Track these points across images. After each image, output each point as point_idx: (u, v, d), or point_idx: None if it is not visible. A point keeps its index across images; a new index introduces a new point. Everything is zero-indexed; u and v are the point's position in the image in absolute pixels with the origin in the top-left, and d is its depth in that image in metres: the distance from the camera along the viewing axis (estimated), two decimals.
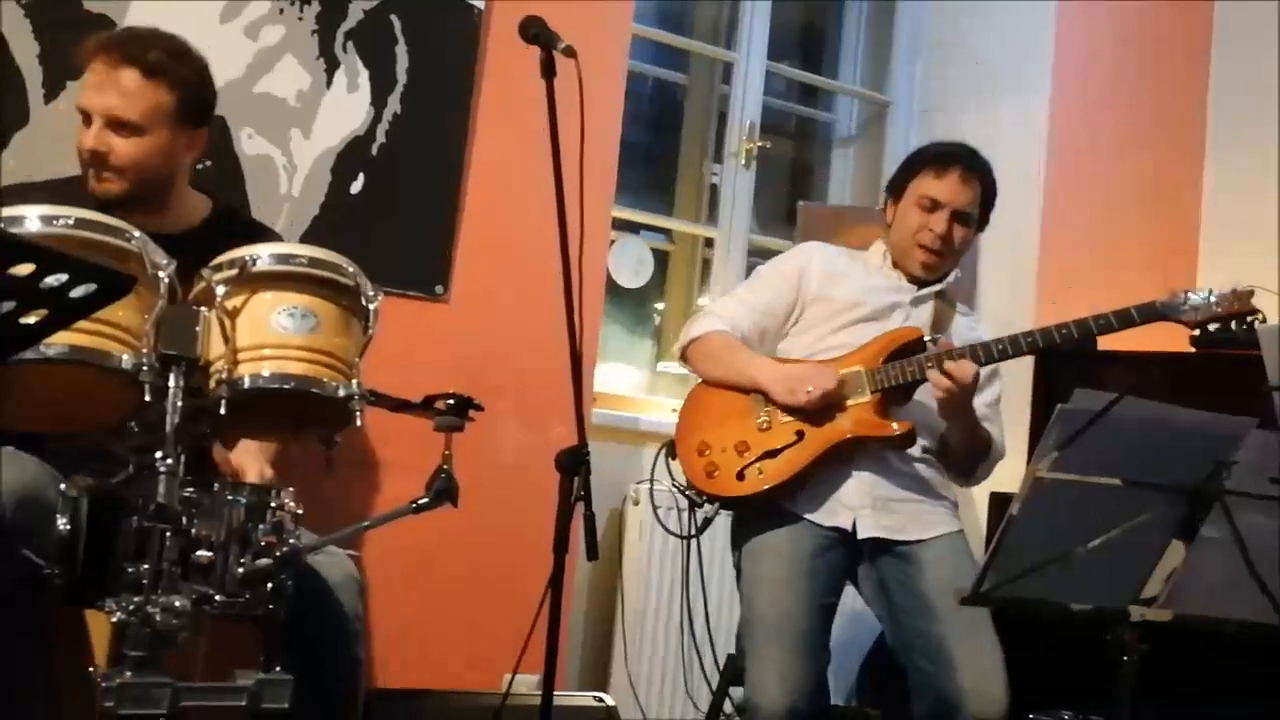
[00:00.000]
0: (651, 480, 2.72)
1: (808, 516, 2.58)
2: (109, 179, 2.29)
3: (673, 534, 2.76)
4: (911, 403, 2.63)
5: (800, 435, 2.58)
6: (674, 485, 2.67)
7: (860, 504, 2.59)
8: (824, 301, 2.72)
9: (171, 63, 2.28)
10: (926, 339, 2.64)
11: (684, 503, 2.70)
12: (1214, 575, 2.14)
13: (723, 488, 2.59)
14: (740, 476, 2.57)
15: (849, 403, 2.59)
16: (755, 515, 2.62)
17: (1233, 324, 2.56)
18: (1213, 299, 2.56)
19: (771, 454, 2.57)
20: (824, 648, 2.54)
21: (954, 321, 2.74)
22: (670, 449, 2.69)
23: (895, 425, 2.58)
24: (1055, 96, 4.05)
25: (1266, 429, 2.09)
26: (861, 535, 2.59)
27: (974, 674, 2.43)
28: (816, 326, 2.71)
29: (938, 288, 2.75)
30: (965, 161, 2.70)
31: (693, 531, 2.68)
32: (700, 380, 2.74)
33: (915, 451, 2.65)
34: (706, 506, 2.64)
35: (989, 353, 2.55)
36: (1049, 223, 3.96)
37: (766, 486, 2.56)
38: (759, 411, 2.61)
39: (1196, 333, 3.54)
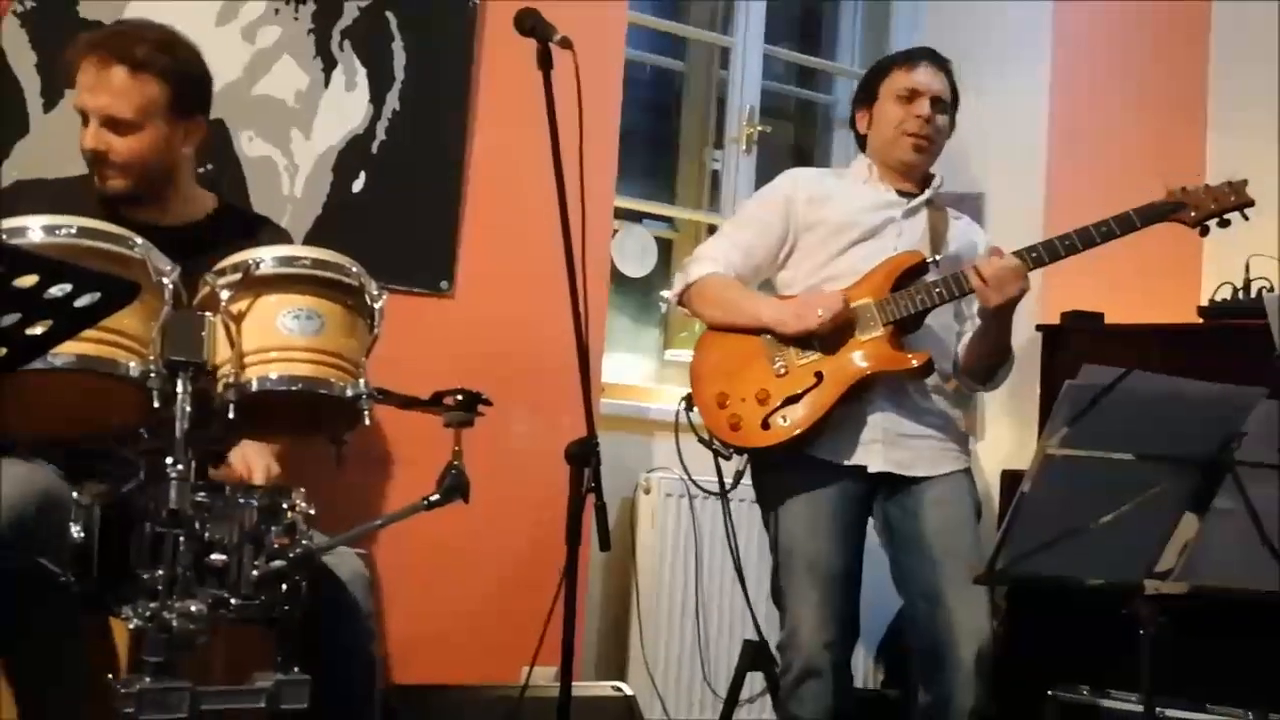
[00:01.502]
0: (676, 435, 2.69)
1: (826, 457, 2.60)
2: (112, 176, 2.32)
3: (707, 491, 2.75)
4: (923, 330, 2.63)
5: (819, 377, 2.57)
6: (699, 438, 2.65)
7: (873, 439, 2.61)
8: (816, 227, 2.71)
9: (159, 55, 2.29)
10: (928, 260, 2.64)
11: (693, 490, 2.71)
12: (1228, 546, 2.14)
13: (748, 439, 2.59)
14: (765, 426, 2.57)
15: (863, 338, 2.58)
16: (778, 466, 2.62)
17: (1234, 215, 2.58)
18: (1205, 192, 2.59)
19: (793, 399, 2.56)
20: (856, 583, 2.62)
21: (950, 226, 2.74)
22: (689, 401, 2.69)
23: (912, 357, 2.58)
24: (1056, 72, 4.04)
25: (1276, 399, 2.09)
26: (873, 470, 2.61)
27: (963, 613, 2.51)
28: (813, 254, 2.71)
29: (926, 195, 2.73)
30: (931, 55, 2.77)
31: (724, 489, 2.68)
32: (706, 327, 2.73)
33: (931, 382, 2.65)
34: (735, 459, 2.65)
35: None
36: (1052, 200, 3.94)
37: (793, 435, 2.55)
38: (774, 356, 2.60)
39: (1205, 303, 3.55)
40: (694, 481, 2.81)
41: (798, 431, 2.55)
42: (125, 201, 2.35)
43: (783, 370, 2.59)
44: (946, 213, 2.77)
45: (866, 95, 2.78)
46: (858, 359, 2.58)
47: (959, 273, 2.57)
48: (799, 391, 2.57)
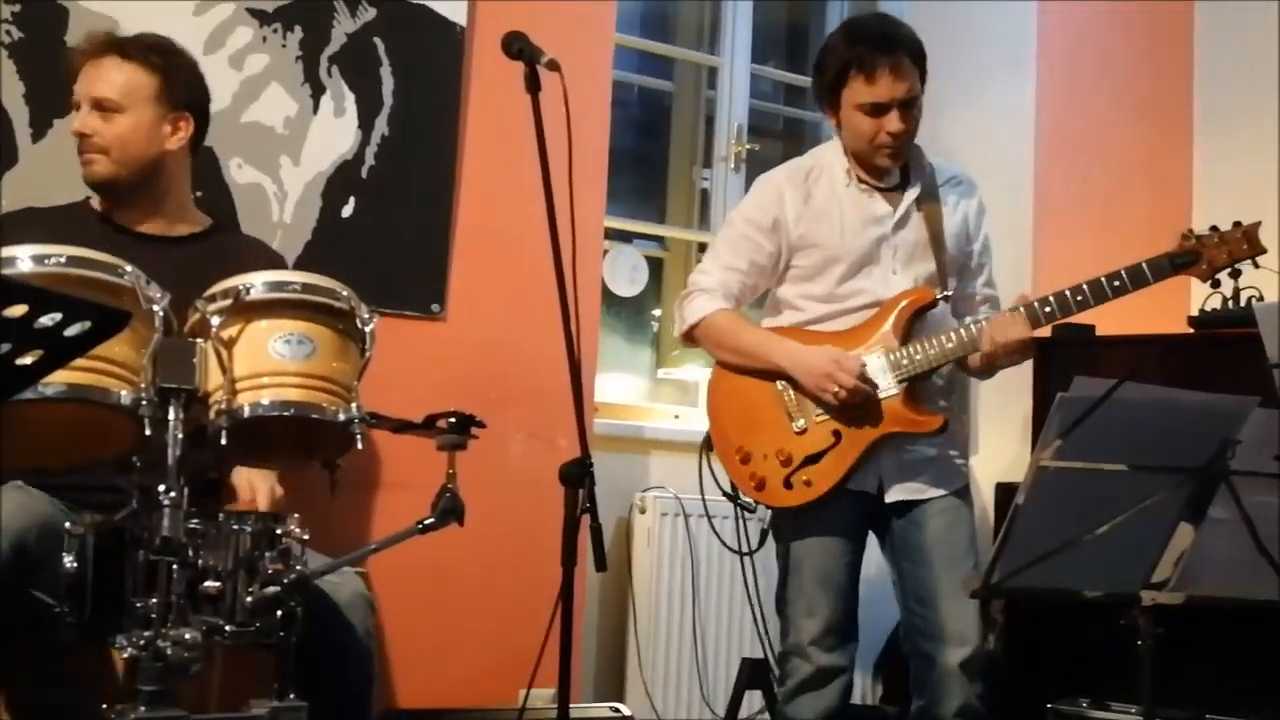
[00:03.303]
0: (701, 486, 2.72)
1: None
2: (94, 160, 2.37)
3: (731, 550, 2.80)
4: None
5: (838, 436, 2.59)
6: (723, 492, 2.69)
7: (886, 470, 2.63)
8: (809, 250, 2.68)
9: (149, 50, 2.39)
10: (938, 297, 2.64)
11: (689, 506, 2.72)
12: (1223, 555, 2.14)
13: (773, 499, 2.63)
14: (788, 485, 2.60)
15: (879, 397, 2.58)
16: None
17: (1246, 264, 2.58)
18: (1218, 240, 2.57)
19: (813, 459, 2.59)
20: (855, 591, 2.66)
21: (942, 217, 2.69)
22: (707, 441, 2.71)
23: (929, 420, 2.59)
24: (1041, 82, 4.05)
25: (1268, 407, 2.09)
26: (889, 500, 2.63)
27: (956, 623, 2.55)
28: (813, 280, 2.68)
29: (911, 198, 2.68)
30: (890, 51, 2.57)
31: (750, 547, 2.73)
32: (716, 362, 2.74)
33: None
34: (760, 510, 2.70)
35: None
36: (1042, 208, 3.96)
37: (816, 496, 2.59)
38: (792, 411, 2.61)
39: (1195, 313, 3.55)
40: (719, 537, 2.82)
41: (817, 495, 2.59)
42: (112, 193, 2.38)
43: (801, 428, 2.61)
44: (937, 199, 2.70)
45: (828, 97, 2.66)
46: (875, 419, 2.59)
47: (972, 333, 2.59)
48: (818, 451, 2.59)
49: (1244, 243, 2.57)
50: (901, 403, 2.59)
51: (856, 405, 2.57)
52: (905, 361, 2.59)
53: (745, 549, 2.73)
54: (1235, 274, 2.59)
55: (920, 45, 2.65)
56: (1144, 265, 2.57)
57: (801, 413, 2.61)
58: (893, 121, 2.60)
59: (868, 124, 2.61)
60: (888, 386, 2.59)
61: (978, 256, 2.75)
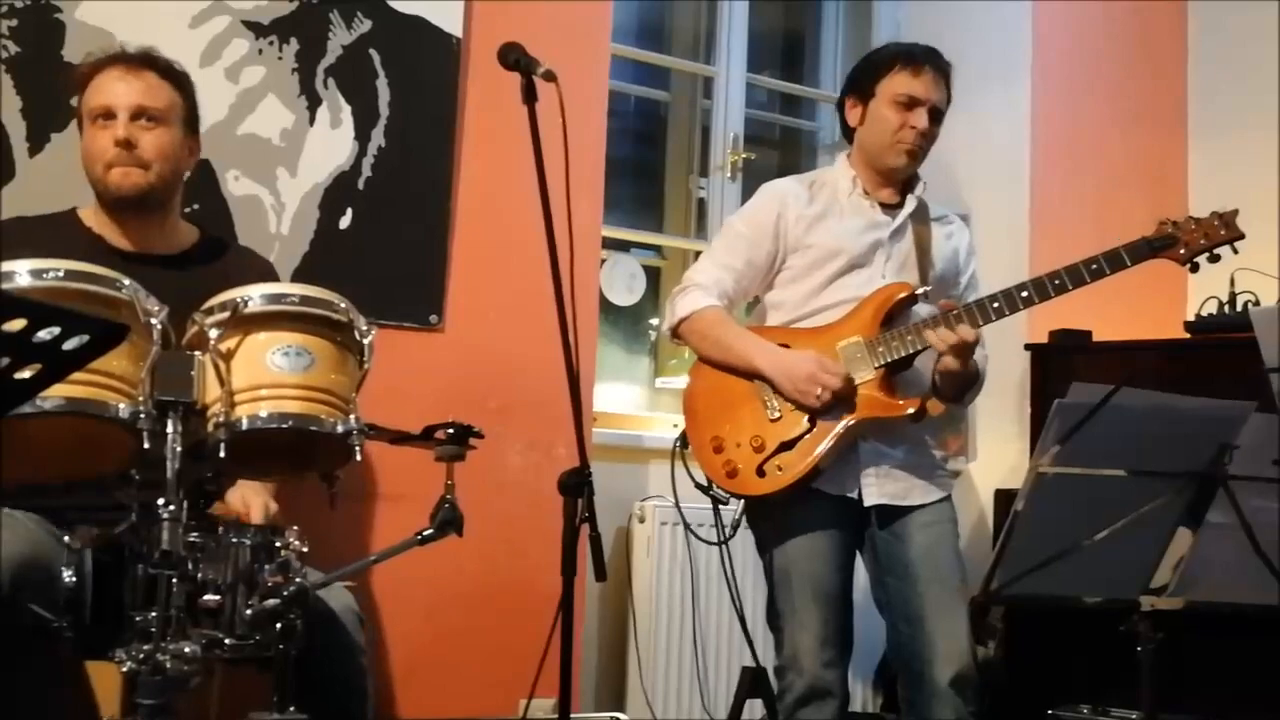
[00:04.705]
0: (674, 484, 2.69)
1: (822, 488, 2.60)
2: (135, 172, 2.34)
3: (706, 541, 2.75)
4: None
5: (813, 423, 2.57)
6: (695, 484, 2.65)
7: (866, 473, 2.61)
8: (804, 250, 2.69)
9: (175, 70, 2.43)
10: (918, 291, 2.63)
11: (688, 518, 2.71)
12: (1222, 560, 2.14)
13: (745, 487, 2.59)
14: (760, 473, 2.57)
15: (855, 381, 2.57)
16: (776, 502, 2.61)
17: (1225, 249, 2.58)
18: (1195, 226, 2.58)
19: (787, 446, 2.57)
20: (849, 603, 2.64)
21: (934, 240, 2.73)
22: (684, 439, 2.68)
23: (905, 404, 2.57)
24: (1037, 87, 4.07)
25: (1266, 412, 2.09)
26: (867, 503, 2.61)
27: (945, 640, 2.52)
28: (803, 279, 2.69)
29: (909, 209, 2.71)
30: (936, 61, 2.70)
31: (723, 537, 2.68)
32: (698, 358, 2.72)
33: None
34: (732, 503, 2.65)
35: (985, 313, 2.56)
36: (1038, 212, 3.97)
37: (788, 483, 2.56)
38: (768, 400, 2.60)
39: (1192, 318, 3.56)
40: (693, 531, 2.79)
41: (790, 481, 2.56)
42: (136, 207, 2.37)
43: (776, 415, 2.59)
44: (930, 224, 2.76)
45: (862, 87, 2.72)
46: (850, 406, 2.57)
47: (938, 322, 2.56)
48: (792, 437, 2.57)
49: (1221, 228, 2.59)
50: (876, 386, 2.58)
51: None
52: (881, 347, 2.58)
53: (720, 539, 2.69)
54: (1214, 259, 2.59)
55: (951, 92, 2.73)
56: (1121, 250, 2.58)
57: (779, 404, 2.59)
58: (920, 118, 2.66)
59: (897, 116, 2.67)
60: (864, 372, 2.58)
61: (964, 289, 2.74)
